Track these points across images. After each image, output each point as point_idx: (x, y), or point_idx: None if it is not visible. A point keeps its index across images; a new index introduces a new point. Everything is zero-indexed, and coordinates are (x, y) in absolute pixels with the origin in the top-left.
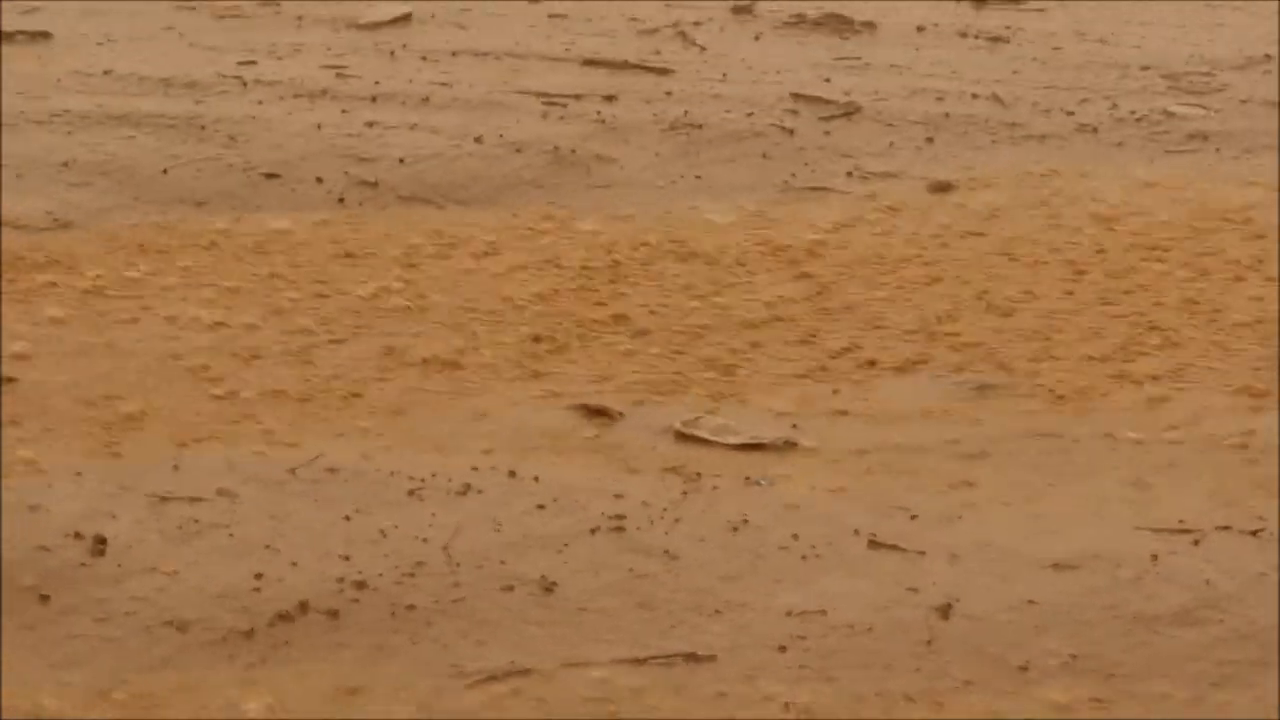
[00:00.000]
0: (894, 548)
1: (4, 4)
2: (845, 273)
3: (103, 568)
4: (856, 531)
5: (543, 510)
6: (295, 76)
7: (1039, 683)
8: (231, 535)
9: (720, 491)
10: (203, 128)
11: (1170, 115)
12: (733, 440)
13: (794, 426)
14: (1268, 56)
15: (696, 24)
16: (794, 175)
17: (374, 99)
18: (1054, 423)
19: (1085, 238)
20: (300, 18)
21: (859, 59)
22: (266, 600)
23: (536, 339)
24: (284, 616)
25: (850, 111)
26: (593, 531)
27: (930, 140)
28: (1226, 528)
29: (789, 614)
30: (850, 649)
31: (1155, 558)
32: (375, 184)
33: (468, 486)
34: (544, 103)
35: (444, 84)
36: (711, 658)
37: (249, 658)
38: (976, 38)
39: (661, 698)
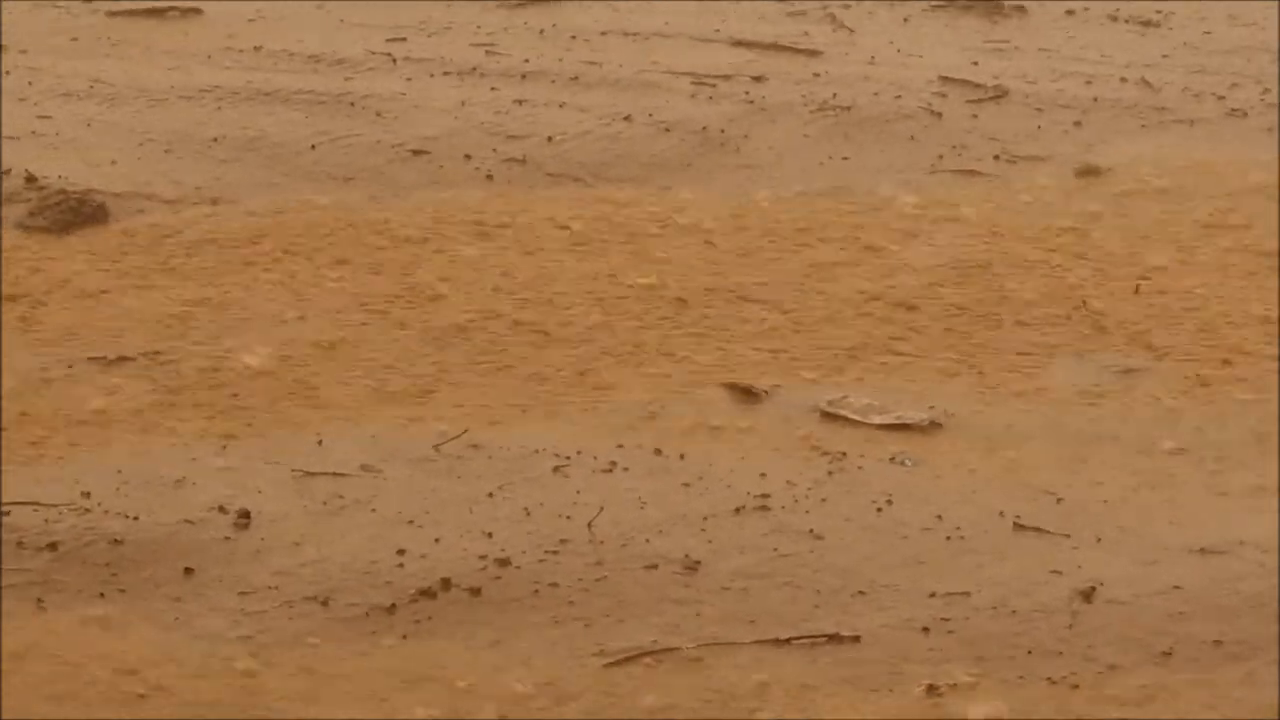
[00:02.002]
0: (1038, 530)
1: None
2: (995, 254)
3: (246, 542)
4: (1001, 513)
5: (688, 489)
6: (444, 54)
7: (1182, 669)
8: (374, 511)
9: (865, 472)
10: (351, 104)
11: None
12: (878, 420)
13: (931, 407)
14: None
15: (845, 6)
16: (941, 158)
17: (523, 77)
18: (1195, 407)
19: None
20: None
21: (1007, 42)
22: (409, 576)
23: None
24: (426, 593)
25: (998, 95)
26: (737, 511)
27: (1078, 124)
28: None
29: (932, 595)
30: (993, 632)
31: None
32: (523, 161)
33: (613, 464)
34: (693, 83)
35: (593, 63)
36: (855, 639)
37: (391, 634)
38: (1127, 22)
39: (805, 678)
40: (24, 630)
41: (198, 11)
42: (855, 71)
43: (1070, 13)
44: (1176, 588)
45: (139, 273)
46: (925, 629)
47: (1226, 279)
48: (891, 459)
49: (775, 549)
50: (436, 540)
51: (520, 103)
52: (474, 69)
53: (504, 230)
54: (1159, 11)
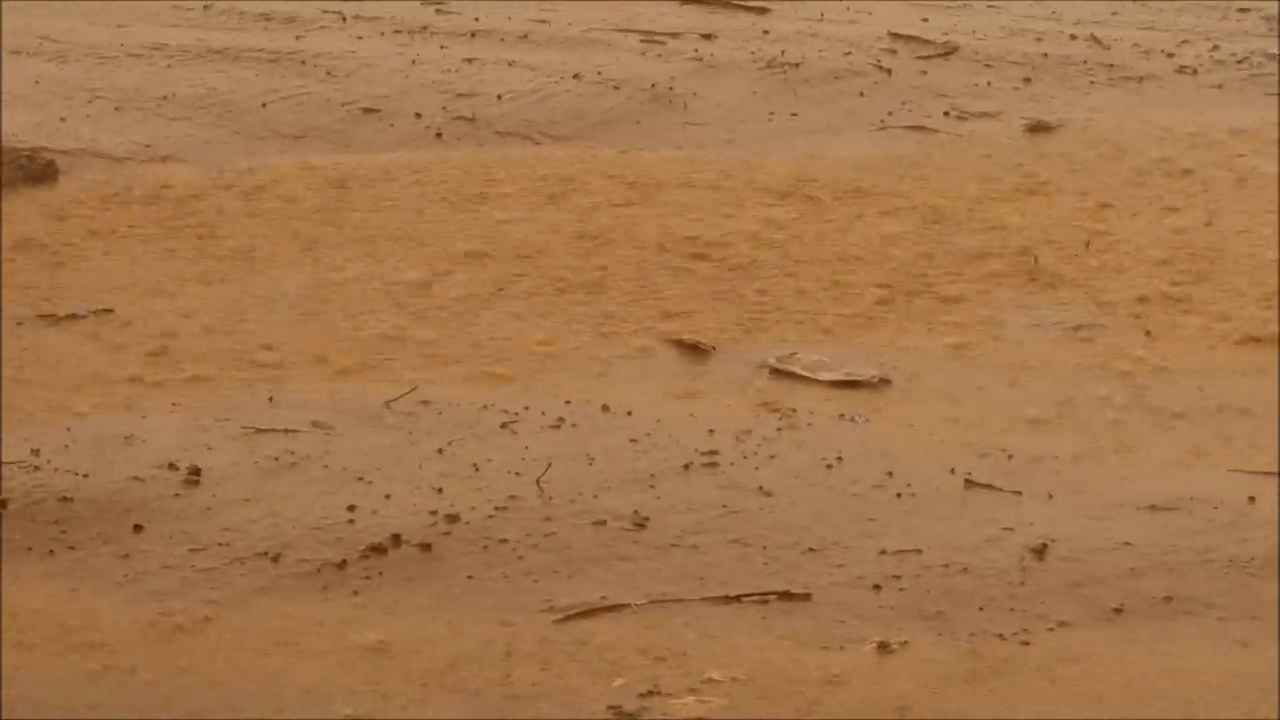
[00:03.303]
0: (990, 487)
1: None
2: (945, 211)
3: (197, 499)
4: (952, 471)
5: (635, 445)
6: (395, 12)
7: (1133, 625)
8: (325, 468)
9: (814, 428)
10: (302, 62)
11: (1272, 57)
12: (828, 377)
13: (881, 364)
14: None
15: None
16: (891, 114)
17: (472, 35)
18: (1146, 364)
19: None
20: None
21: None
22: (359, 532)
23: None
24: (377, 549)
25: (948, 51)
26: (686, 468)
27: (1028, 81)
28: None
29: (883, 553)
30: (944, 589)
31: (1253, 500)
32: (473, 119)
33: (561, 420)
34: (642, 40)
35: (542, 21)
36: (806, 596)
37: (342, 590)
38: None
39: (755, 636)
40: None
41: None
42: (804, 29)
43: None
44: (1127, 544)
45: (88, 230)
46: (876, 586)
47: (1178, 236)
48: (841, 416)
49: (724, 506)
50: (387, 497)
51: (470, 61)
52: (424, 27)
53: (445, 186)
54: None
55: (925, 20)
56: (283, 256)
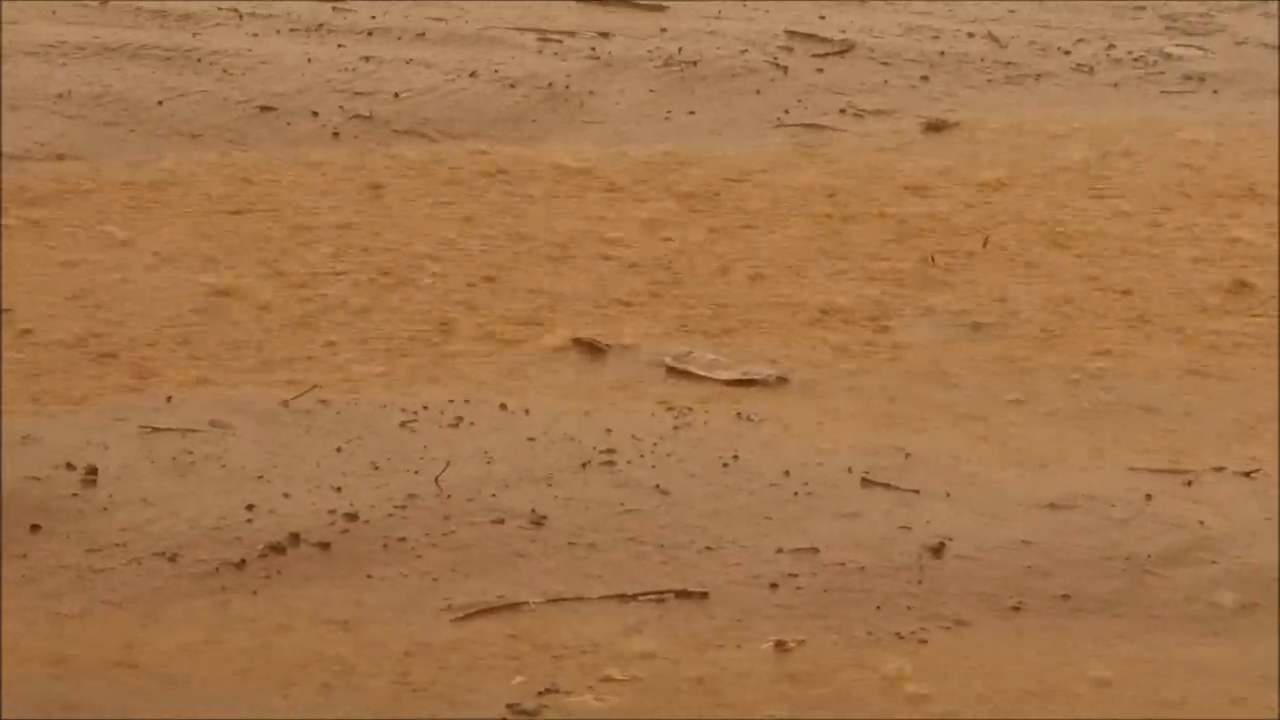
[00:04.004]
0: (887, 486)
1: None
2: (842, 209)
3: (94, 499)
4: (849, 469)
5: (533, 444)
6: (291, 10)
7: (1030, 622)
8: (224, 467)
9: (711, 427)
10: (198, 60)
11: (1167, 56)
12: (724, 375)
13: (778, 363)
14: None
15: None
16: (787, 112)
17: (370, 33)
18: (1045, 362)
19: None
20: None
21: None
22: (258, 532)
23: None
24: (275, 548)
25: (845, 49)
26: (583, 466)
27: (925, 79)
28: (1221, 469)
29: (780, 551)
30: (842, 587)
31: (1149, 498)
32: (370, 117)
33: (459, 419)
34: (539, 39)
35: (439, 19)
36: (703, 595)
37: (240, 590)
38: None
39: (652, 634)
40: None
41: None
42: (701, 26)
43: None
44: (1025, 542)
45: None
46: (773, 585)
47: (1076, 235)
48: (738, 415)
49: (621, 504)
50: (286, 496)
51: (367, 59)
52: (321, 25)
53: (345, 185)
54: None
55: (822, 18)
56: (180, 254)
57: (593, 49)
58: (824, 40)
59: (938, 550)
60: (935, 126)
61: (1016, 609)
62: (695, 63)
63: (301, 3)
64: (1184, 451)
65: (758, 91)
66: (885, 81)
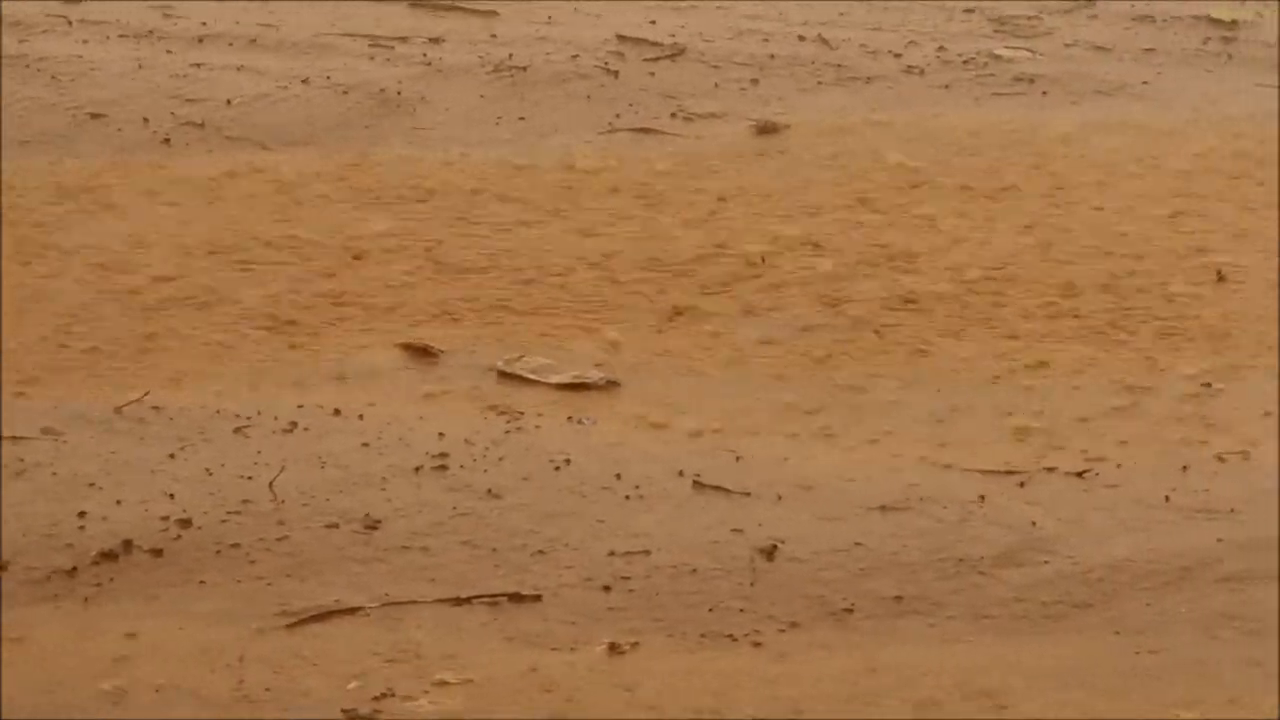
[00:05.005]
0: (719, 489)
1: None
2: (671, 214)
3: None
4: (681, 472)
5: (367, 449)
6: (120, 16)
7: (863, 624)
8: (55, 474)
9: (542, 431)
10: (26, 67)
11: (997, 58)
12: (555, 379)
13: (603, 366)
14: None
15: None
16: (618, 116)
17: (200, 40)
18: (884, 366)
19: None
20: None
21: (685, 0)
22: (90, 538)
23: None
24: (108, 555)
25: (675, 53)
26: (416, 470)
27: (755, 82)
28: (1053, 469)
29: (612, 554)
30: (674, 590)
31: (982, 499)
32: (202, 125)
33: (293, 424)
34: (370, 45)
35: (270, 25)
36: (536, 597)
37: (72, 597)
38: None
39: (487, 637)
40: None
41: None
42: (532, 32)
43: None
44: (858, 544)
45: None
46: (606, 588)
47: (909, 235)
48: (569, 418)
49: (454, 508)
50: (118, 502)
51: (198, 66)
52: (150, 31)
53: (173, 190)
54: None
55: (653, 22)
56: (5, 261)
57: (424, 55)
58: (655, 44)
59: (770, 553)
60: (765, 129)
61: (849, 610)
62: (526, 68)
63: (131, 7)
64: (1016, 452)
65: (588, 96)
66: (715, 85)
